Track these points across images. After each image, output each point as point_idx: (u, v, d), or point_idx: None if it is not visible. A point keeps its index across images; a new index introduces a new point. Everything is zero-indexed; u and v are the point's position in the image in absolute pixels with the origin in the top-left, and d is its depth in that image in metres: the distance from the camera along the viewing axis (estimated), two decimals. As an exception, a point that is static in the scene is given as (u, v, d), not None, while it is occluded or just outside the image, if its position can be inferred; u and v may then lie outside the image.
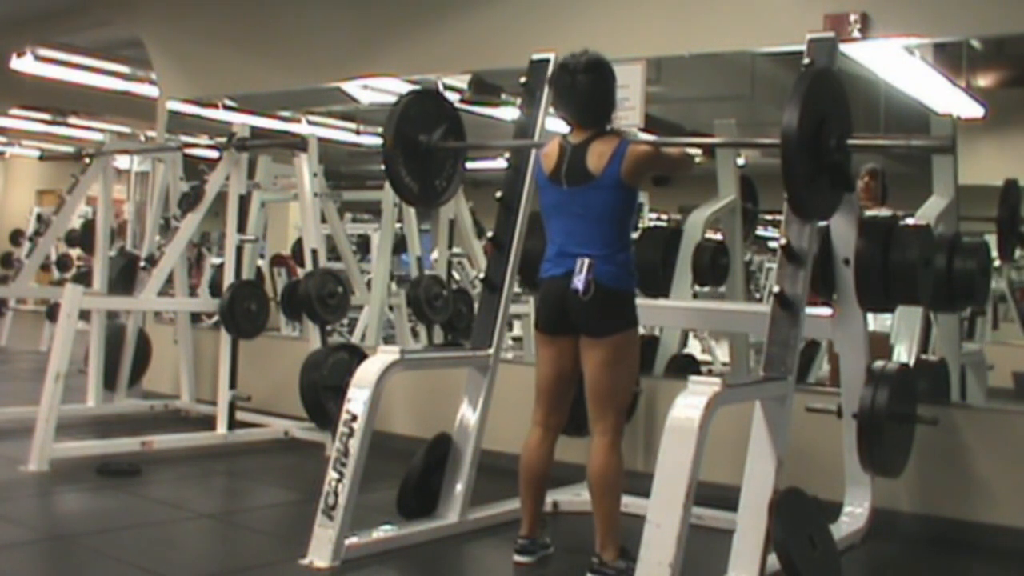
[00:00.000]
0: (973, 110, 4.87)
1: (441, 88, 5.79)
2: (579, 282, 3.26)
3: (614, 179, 3.31)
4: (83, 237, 8.25)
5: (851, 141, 3.04)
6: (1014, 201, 4.60)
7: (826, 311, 3.81)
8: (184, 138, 7.18)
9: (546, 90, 4.14)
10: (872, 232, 3.68)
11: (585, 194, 3.34)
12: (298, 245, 6.67)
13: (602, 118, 3.42)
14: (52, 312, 8.52)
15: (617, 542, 3.26)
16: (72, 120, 11.32)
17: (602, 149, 3.33)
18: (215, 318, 5.93)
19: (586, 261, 3.28)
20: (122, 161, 8.78)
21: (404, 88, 5.99)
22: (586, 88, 3.36)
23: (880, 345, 4.26)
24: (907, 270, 3.63)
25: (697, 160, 3.61)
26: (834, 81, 3.15)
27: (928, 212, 4.51)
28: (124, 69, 8.48)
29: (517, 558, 3.49)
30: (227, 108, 6.97)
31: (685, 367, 5.16)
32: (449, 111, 3.95)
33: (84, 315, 5.35)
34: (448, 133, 3.89)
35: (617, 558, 3.24)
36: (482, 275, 4.11)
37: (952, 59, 4.57)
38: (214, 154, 5.72)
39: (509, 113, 5.57)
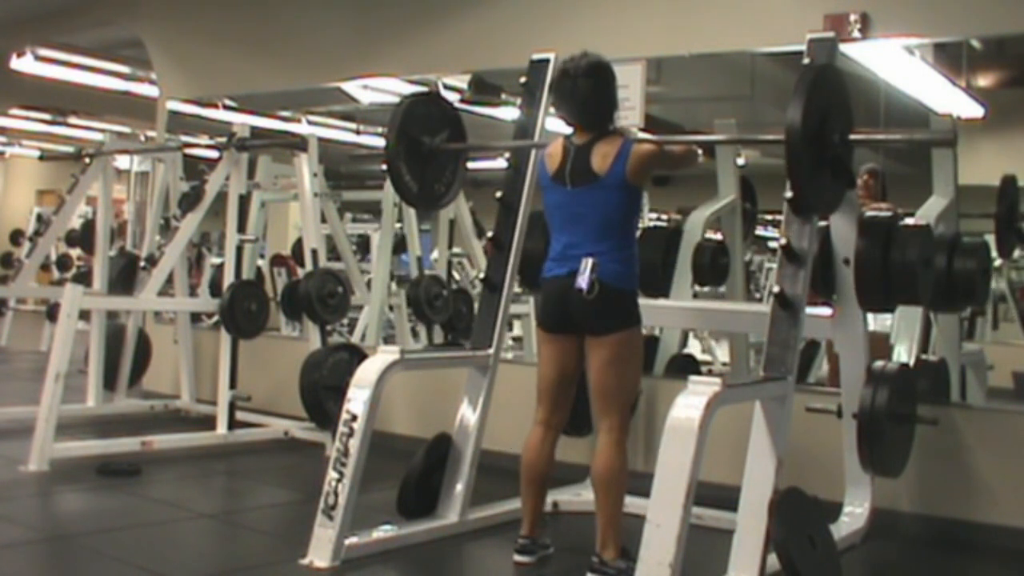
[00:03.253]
0: (973, 110, 4.87)
1: (441, 88, 5.80)
2: (583, 281, 3.27)
3: (619, 179, 3.32)
4: (83, 237, 8.25)
5: (853, 136, 3.05)
6: (1012, 198, 4.60)
7: (826, 311, 3.81)
8: (184, 138, 7.18)
9: (546, 90, 4.15)
10: (872, 232, 3.68)
11: (590, 194, 3.35)
12: (298, 245, 6.66)
13: (605, 120, 3.42)
14: (52, 312, 8.52)
15: (619, 541, 3.26)
16: (72, 120, 11.32)
17: (606, 149, 3.34)
18: (215, 318, 5.93)
19: (590, 260, 3.28)
20: (122, 161, 8.78)
21: (404, 88, 6.01)
22: (587, 91, 3.37)
23: (880, 345, 4.25)
24: (907, 270, 3.62)
25: (699, 159, 3.61)
26: (836, 77, 3.16)
27: (928, 212, 4.50)
28: (124, 69, 8.48)
29: (517, 558, 3.49)
30: (227, 108, 6.97)
31: (685, 367, 5.16)
32: (452, 115, 3.96)
33: (84, 315, 5.35)
34: (451, 137, 3.89)
35: (617, 557, 3.24)
36: (482, 275, 4.11)
37: (952, 59, 4.57)
38: (214, 154, 5.72)
39: (509, 113, 5.57)
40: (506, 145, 4.24)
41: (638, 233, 4.05)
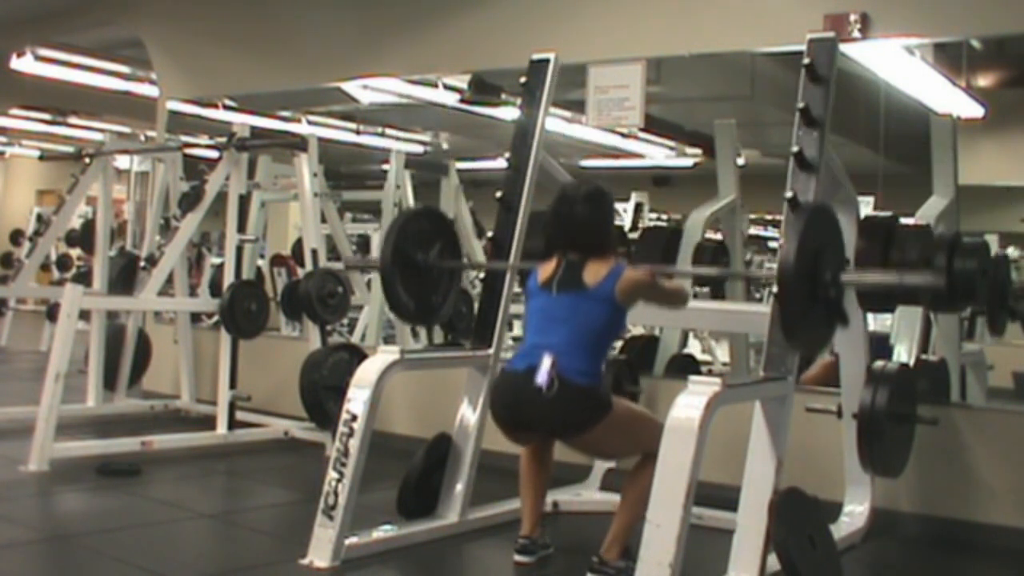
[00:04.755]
0: (973, 110, 4.87)
1: (441, 88, 5.81)
2: (541, 378, 3.20)
3: (606, 294, 3.32)
4: (83, 237, 8.24)
5: (845, 277, 3.04)
6: (1003, 273, 4.59)
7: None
8: (184, 138, 7.18)
9: (546, 90, 4.15)
10: (872, 232, 3.68)
11: (573, 301, 3.35)
12: (298, 245, 6.67)
13: (601, 245, 3.44)
14: (52, 312, 8.52)
15: (624, 546, 3.26)
16: (72, 120, 11.30)
17: (598, 267, 3.37)
18: (215, 318, 5.93)
19: (549, 357, 3.22)
20: (122, 161, 8.77)
21: (404, 88, 6.02)
22: (584, 218, 3.41)
23: (832, 373, 4.19)
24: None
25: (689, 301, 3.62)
26: (831, 216, 3.16)
27: (928, 212, 4.51)
28: (124, 69, 8.46)
29: (517, 558, 3.48)
30: (227, 108, 6.97)
31: (685, 367, 5.17)
32: (446, 229, 3.98)
33: (84, 315, 5.35)
34: (444, 251, 3.91)
35: (618, 558, 3.25)
36: (482, 275, 4.11)
37: (952, 59, 4.57)
38: (214, 154, 5.71)
39: (509, 113, 5.57)
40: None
41: (637, 234, 4.06)
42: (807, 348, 3.10)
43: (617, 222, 7.14)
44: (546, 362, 3.21)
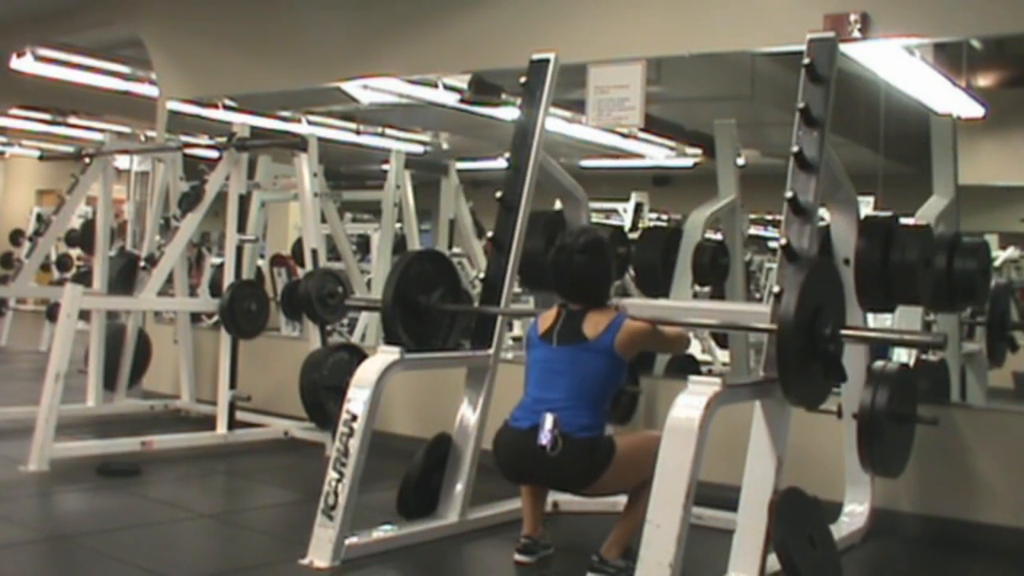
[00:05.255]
0: (973, 110, 4.87)
1: (442, 88, 5.80)
2: (544, 438, 3.23)
3: (606, 346, 3.35)
4: (83, 237, 8.24)
5: (844, 332, 3.04)
6: (1004, 305, 4.60)
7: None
8: (184, 138, 7.18)
9: (546, 90, 4.15)
10: (872, 232, 3.68)
11: (573, 353, 3.38)
12: (298, 245, 6.67)
13: (599, 295, 3.48)
14: (52, 312, 8.52)
15: (625, 547, 3.27)
16: (72, 120, 11.30)
17: (599, 319, 3.40)
18: (215, 318, 5.93)
19: (550, 416, 3.25)
20: (122, 161, 8.77)
21: (404, 88, 6.01)
22: (582, 268, 3.44)
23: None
24: (907, 270, 3.62)
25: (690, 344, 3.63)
26: (832, 271, 3.16)
27: (928, 212, 4.50)
28: (124, 69, 8.46)
29: (518, 558, 3.49)
30: (227, 108, 6.97)
31: (685, 367, 5.16)
32: (448, 272, 4.00)
33: (84, 315, 5.35)
34: (446, 294, 3.92)
35: (619, 557, 3.25)
36: (482, 275, 4.11)
37: (952, 59, 4.57)
38: (214, 154, 5.72)
39: (509, 113, 5.57)
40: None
41: (637, 234, 4.06)
42: (805, 402, 3.10)
43: (616, 222, 7.17)
44: (548, 422, 3.24)
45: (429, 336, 3.90)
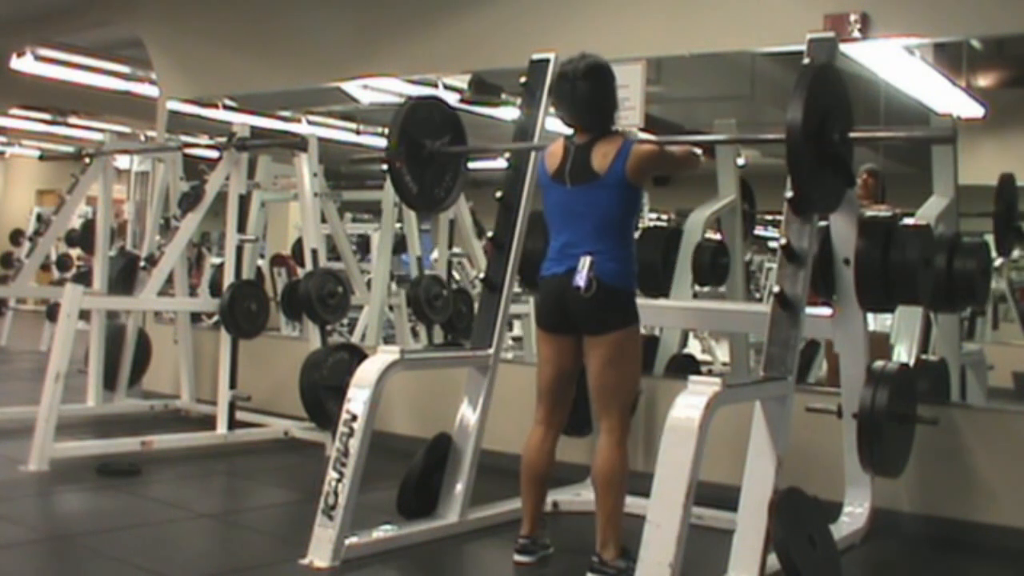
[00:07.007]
0: (973, 110, 4.87)
1: (441, 88, 5.80)
2: (581, 279, 3.27)
3: (619, 178, 3.32)
4: (83, 237, 8.25)
5: (853, 134, 3.06)
6: (1011, 196, 4.60)
7: (826, 311, 3.81)
8: (184, 138, 7.18)
9: (546, 90, 4.15)
10: (872, 232, 3.68)
11: (589, 192, 3.36)
12: (298, 245, 6.67)
13: (604, 121, 3.43)
14: (52, 312, 8.52)
15: (619, 541, 3.26)
16: (72, 120, 11.32)
17: (606, 149, 3.35)
18: (215, 318, 5.93)
19: (588, 259, 3.28)
20: (122, 161, 8.77)
21: (404, 88, 6.01)
22: (586, 93, 3.38)
23: (880, 345, 4.25)
24: (907, 270, 3.63)
25: (701, 161, 3.63)
26: (836, 76, 3.18)
27: (928, 212, 4.51)
28: (124, 69, 8.48)
29: (517, 557, 3.49)
30: (227, 108, 6.97)
31: (685, 367, 5.16)
32: (453, 120, 3.97)
33: (84, 315, 5.35)
34: (452, 142, 3.91)
35: (618, 557, 3.24)
36: (482, 275, 4.11)
37: (952, 59, 4.57)
38: (214, 154, 5.72)
39: (509, 113, 5.57)
40: (506, 147, 4.26)
41: (637, 233, 4.05)
42: (821, 207, 3.18)
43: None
44: (585, 263, 3.28)
45: (433, 184, 3.88)
